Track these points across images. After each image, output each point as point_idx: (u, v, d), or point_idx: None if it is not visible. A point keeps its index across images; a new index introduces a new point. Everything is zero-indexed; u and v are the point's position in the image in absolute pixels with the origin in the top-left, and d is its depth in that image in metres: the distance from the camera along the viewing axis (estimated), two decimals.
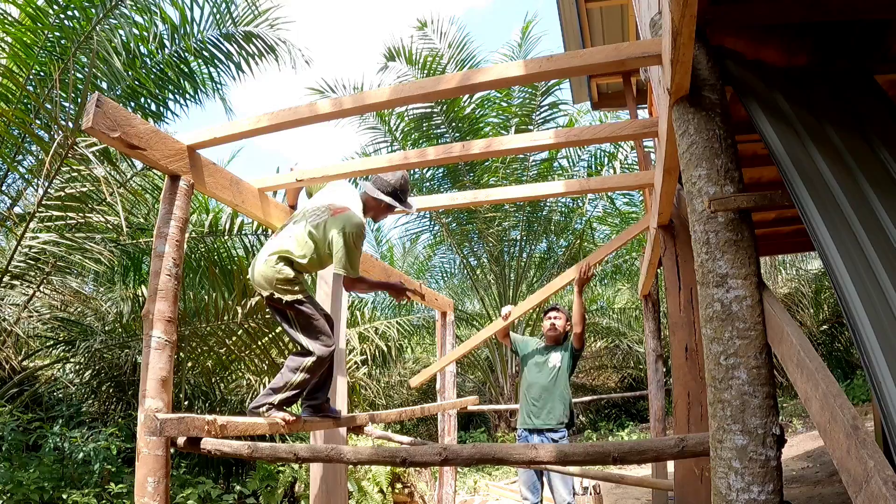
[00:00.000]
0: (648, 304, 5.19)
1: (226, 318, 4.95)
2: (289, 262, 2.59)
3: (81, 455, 4.33)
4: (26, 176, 5.04)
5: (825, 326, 10.93)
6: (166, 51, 5.73)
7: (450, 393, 5.23)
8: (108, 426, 5.08)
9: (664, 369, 5.21)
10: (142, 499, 2.01)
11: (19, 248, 4.58)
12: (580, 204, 9.98)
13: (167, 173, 2.34)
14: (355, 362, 7.44)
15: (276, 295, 2.55)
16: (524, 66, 2.03)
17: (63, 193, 4.54)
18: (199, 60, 6.04)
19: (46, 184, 4.30)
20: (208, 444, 2.25)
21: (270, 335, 5.41)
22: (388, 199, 2.81)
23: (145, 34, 5.42)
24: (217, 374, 6.26)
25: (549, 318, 4.21)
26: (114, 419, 5.68)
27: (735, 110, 1.89)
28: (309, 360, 2.61)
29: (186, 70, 5.97)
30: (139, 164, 5.16)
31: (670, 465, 3.69)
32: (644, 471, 8.05)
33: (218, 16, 5.70)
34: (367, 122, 9.65)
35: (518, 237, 10.71)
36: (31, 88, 4.62)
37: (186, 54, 5.81)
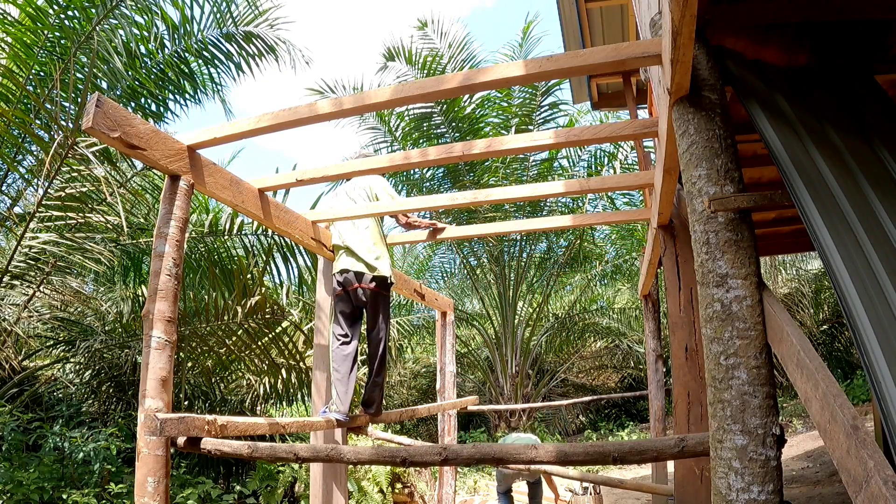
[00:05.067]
0: (648, 304, 5.19)
1: (226, 318, 4.95)
2: None
3: (81, 455, 4.33)
4: (26, 176, 5.04)
5: (825, 326, 10.94)
6: (166, 51, 5.73)
7: (450, 393, 5.23)
8: (108, 426, 5.08)
9: (664, 369, 5.21)
10: (142, 499, 2.01)
11: (19, 248, 4.58)
12: (580, 204, 9.97)
13: (167, 173, 2.34)
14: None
15: None
16: (524, 66, 2.03)
17: (63, 193, 4.54)
18: (199, 60, 6.04)
19: (46, 184, 4.29)
20: (208, 444, 2.25)
21: (270, 335, 5.41)
22: None
23: (145, 34, 5.41)
24: (217, 374, 6.26)
25: None
26: (114, 419, 5.68)
27: (735, 110, 1.89)
28: None
29: (186, 70, 5.97)
30: (139, 164, 5.16)
31: (670, 466, 3.69)
32: (644, 471, 8.05)
33: (218, 15, 5.69)
34: (367, 123, 9.64)
35: (518, 237, 10.70)
36: (31, 88, 4.62)
37: (186, 54, 5.81)
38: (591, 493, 5.49)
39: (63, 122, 4.18)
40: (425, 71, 8.75)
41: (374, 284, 3.37)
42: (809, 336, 10.61)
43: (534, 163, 9.92)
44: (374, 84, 9.75)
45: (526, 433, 6.12)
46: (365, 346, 3.67)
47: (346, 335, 3.36)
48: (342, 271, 3.39)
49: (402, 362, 12.35)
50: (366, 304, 3.39)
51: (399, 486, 6.84)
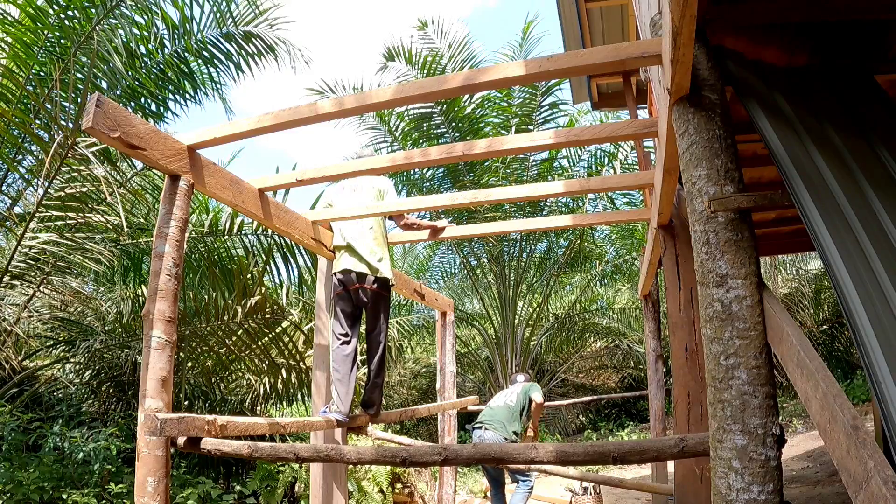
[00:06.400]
0: (648, 304, 5.19)
1: (226, 318, 4.95)
2: None
3: (81, 455, 4.33)
4: (26, 176, 5.04)
5: (825, 326, 10.93)
6: (166, 51, 5.73)
7: (450, 393, 5.23)
8: (108, 426, 5.08)
9: (664, 369, 5.21)
10: (142, 499, 2.01)
11: (19, 248, 4.58)
12: (580, 204, 9.97)
13: (167, 173, 2.34)
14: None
15: None
16: (525, 66, 2.03)
17: (63, 193, 4.54)
18: (199, 60, 6.04)
19: (46, 184, 4.29)
20: (208, 444, 2.25)
21: (270, 335, 5.41)
22: None
23: (145, 34, 5.42)
24: (217, 374, 6.26)
25: None
26: (114, 419, 5.68)
27: (735, 110, 1.89)
28: None
29: (186, 70, 5.97)
30: (139, 164, 5.16)
31: (670, 466, 3.69)
32: (644, 471, 8.05)
33: (218, 15, 5.69)
34: (366, 123, 9.64)
35: (518, 237, 10.71)
36: (31, 88, 4.62)
37: (186, 54, 5.81)
38: (591, 493, 5.48)
39: (63, 122, 4.18)
40: (425, 71, 8.75)
41: (375, 286, 3.37)
42: (809, 336, 10.60)
43: (534, 163, 9.92)
44: (374, 84, 9.75)
45: (510, 390, 5.21)
46: (364, 346, 3.66)
47: (346, 334, 3.36)
48: (344, 271, 3.38)
49: (402, 362, 12.35)
50: (366, 304, 3.39)
51: (399, 486, 6.84)
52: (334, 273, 3.45)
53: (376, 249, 3.43)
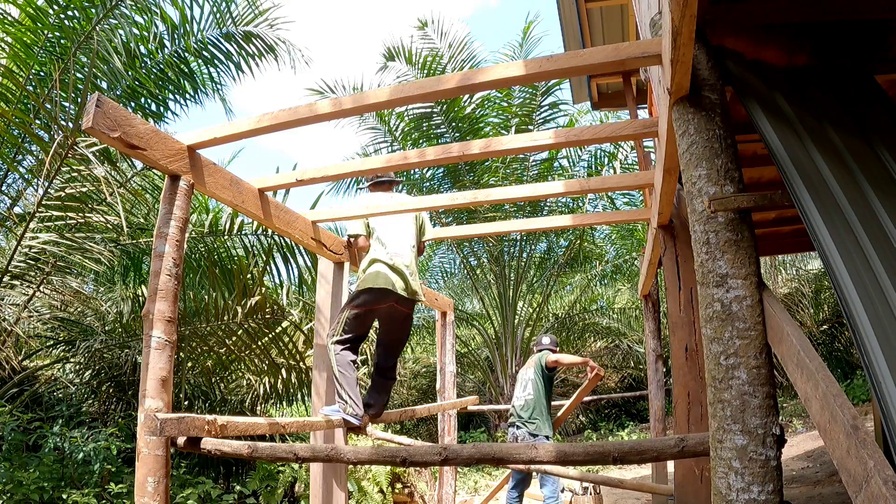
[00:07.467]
0: (648, 304, 5.19)
1: (226, 318, 4.95)
2: None
3: (81, 455, 4.33)
4: (26, 176, 5.04)
5: (825, 326, 10.93)
6: (166, 51, 5.73)
7: (450, 393, 5.23)
8: (108, 426, 5.08)
9: (664, 369, 5.21)
10: (142, 499, 2.01)
11: (19, 248, 4.58)
12: (580, 204, 9.97)
13: (167, 173, 2.34)
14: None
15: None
16: (524, 66, 2.03)
17: (63, 193, 4.54)
18: (199, 60, 6.05)
19: (46, 184, 4.29)
20: (208, 444, 2.25)
21: (270, 335, 5.41)
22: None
23: (145, 34, 5.42)
24: (217, 374, 6.27)
25: None
26: (114, 419, 5.68)
27: (735, 110, 1.89)
28: None
29: (186, 70, 5.97)
30: (139, 164, 5.16)
31: (670, 466, 3.69)
32: (644, 471, 8.05)
33: (218, 15, 5.70)
34: (366, 123, 9.65)
35: (518, 237, 10.71)
36: (31, 88, 4.62)
37: (186, 54, 5.81)
38: (591, 493, 5.49)
39: (63, 122, 4.18)
40: (425, 71, 8.76)
41: (409, 308, 3.44)
42: (809, 336, 10.59)
43: (534, 163, 9.92)
44: (373, 84, 9.76)
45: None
46: (375, 351, 3.70)
47: (356, 342, 3.36)
48: (384, 290, 3.24)
49: (402, 362, 12.36)
50: (396, 321, 3.45)
51: (399, 486, 6.84)
52: (370, 287, 3.26)
53: (414, 268, 3.48)
